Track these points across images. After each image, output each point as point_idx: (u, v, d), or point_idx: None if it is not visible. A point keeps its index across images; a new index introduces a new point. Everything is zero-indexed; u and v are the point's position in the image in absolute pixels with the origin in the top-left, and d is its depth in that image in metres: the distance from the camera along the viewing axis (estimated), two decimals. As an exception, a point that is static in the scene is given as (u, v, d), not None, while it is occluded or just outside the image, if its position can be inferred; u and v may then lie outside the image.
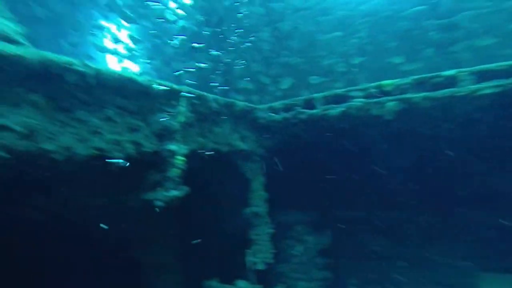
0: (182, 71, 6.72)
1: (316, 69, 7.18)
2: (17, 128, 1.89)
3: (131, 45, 8.61)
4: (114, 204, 3.09)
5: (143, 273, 4.08)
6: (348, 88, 4.93)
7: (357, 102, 4.70)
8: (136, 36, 8.56)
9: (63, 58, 2.34)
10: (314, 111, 4.95)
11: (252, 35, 7.22)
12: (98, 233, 2.94)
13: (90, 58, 8.28)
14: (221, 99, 4.33)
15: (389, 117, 4.47)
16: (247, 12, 7.14)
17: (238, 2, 7.14)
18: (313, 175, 5.84)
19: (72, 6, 7.39)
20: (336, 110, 4.78)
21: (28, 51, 2.12)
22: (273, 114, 5.27)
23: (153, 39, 8.54)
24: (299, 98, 5.27)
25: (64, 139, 2.20)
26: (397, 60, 6.31)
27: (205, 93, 4.01)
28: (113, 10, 7.98)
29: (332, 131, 5.08)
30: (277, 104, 5.35)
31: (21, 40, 2.47)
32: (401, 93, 4.43)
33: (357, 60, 6.95)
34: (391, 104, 4.48)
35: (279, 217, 5.65)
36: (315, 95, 5.10)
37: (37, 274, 3.09)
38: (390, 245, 6.16)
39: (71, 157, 2.22)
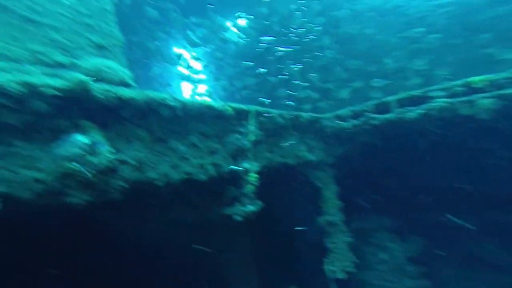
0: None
1: (383, 71, 6.68)
2: (132, 161, 2.32)
3: (199, 68, 9.55)
4: (200, 218, 3.46)
5: (224, 282, 4.41)
6: (427, 89, 4.52)
7: (440, 102, 4.26)
8: (203, 60, 9.47)
9: (159, 95, 2.75)
10: (387, 115, 4.69)
11: (311, 42, 7.17)
12: (187, 246, 3.33)
13: (169, 85, 9.49)
14: (286, 113, 4.43)
15: (484, 116, 3.95)
16: (305, 20, 7.15)
17: (294, 15, 7.23)
18: (392, 179, 5.48)
19: (153, 39, 8.63)
20: (414, 112, 4.44)
21: (136, 93, 2.56)
22: (340, 122, 5.15)
23: (218, 61, 9.29)
24: (369, 103, 5.04)
25: (162, 167, 2.59)
26: (490, 50, 5.32)
27: (271, 110, 4.16)
28: (184, 38, 9.00)
29: (412, 135, 4.72)
30: (344, 111, 5.21)
31: (131, 82, 3.03)
32: (497, 89, 3.89)
33: (431, 58, 6.19)
34: (486, 101, 3.94)
35: (357, 224, 5.48)
36: (388, 98, 4.82)
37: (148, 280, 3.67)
38: (501, 252, 5.25)
39: (168, 182, 2.60)
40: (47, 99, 1.94)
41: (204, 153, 3.14)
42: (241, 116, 3.74)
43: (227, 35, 8.71)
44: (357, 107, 5.14)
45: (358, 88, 6.85)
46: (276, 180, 4.34)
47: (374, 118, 4.82)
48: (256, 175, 3.67)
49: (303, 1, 7.27)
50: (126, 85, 2.75)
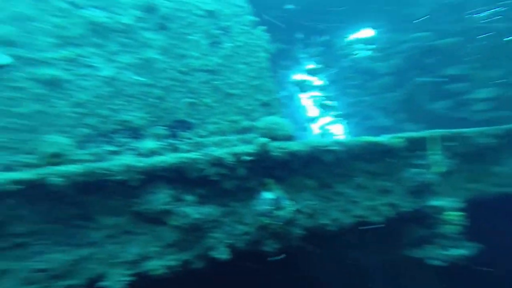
0: None
1: None
2: (305, 210, 2.66)
3: (331, 92, 8.96)
4: (379, 260, 3.17)
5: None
6: None
7: None
8: (334, 83, 8.71)
9: (320, 142, 2.90)
10: None
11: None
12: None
13: (310, 121, 9.45)
14: (491, 129, 3.25)
15: None
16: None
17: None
18: None
19: (281, 72, 8.89)
20: None
21: (299, 144, 2.78)
22: None
23: (348, 81, 8.34)
24: None
25: (332, 212, 2.73)
26: None
27: (460, 130, 3.22)
28: (311, 63, 8.76)
29: None
30: None
31: (293, 133, 3.38)
32: None
33: None
34: None
35: None
36: None
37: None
38: None
39: (340, 225, 2.68)
40: (245, 164, 2.65)
41: (374, 194, 2.95)
42: (414, 146, 3.19)
43: (358, 51, 7.75)
44: None
45: None
46: (495, 215, 3.22)
47: None
48: (459, 212, 2.93)
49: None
50: (290, 137, 3.11)
